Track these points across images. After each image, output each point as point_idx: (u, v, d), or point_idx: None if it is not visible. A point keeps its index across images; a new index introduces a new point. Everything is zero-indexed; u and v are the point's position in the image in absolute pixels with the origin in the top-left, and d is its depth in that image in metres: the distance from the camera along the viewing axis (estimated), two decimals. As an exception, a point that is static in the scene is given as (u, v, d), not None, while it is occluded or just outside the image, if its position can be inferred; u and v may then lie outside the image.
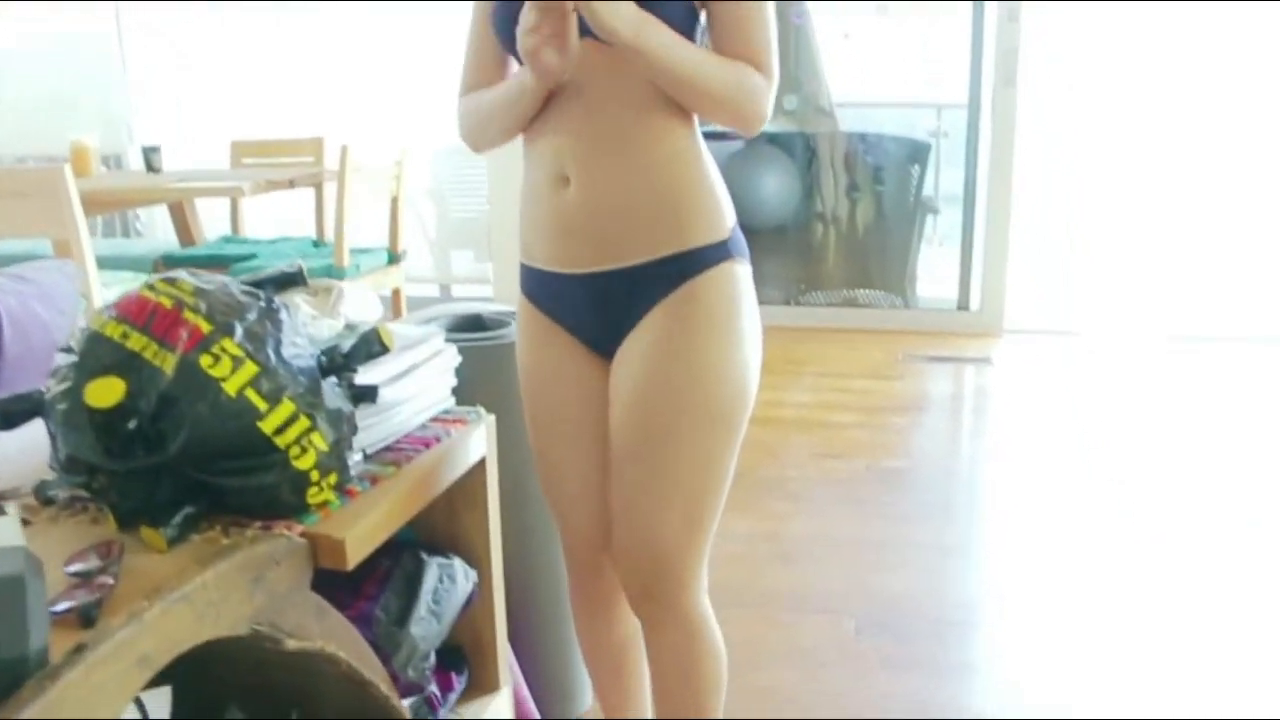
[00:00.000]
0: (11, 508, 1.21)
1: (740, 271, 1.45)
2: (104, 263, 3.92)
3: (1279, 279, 5.64)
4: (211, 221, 4.95)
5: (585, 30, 1.29)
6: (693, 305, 1.41)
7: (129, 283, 3.52)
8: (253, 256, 4.21)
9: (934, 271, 5.59)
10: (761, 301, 1.50)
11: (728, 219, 1.46)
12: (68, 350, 1.21)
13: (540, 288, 1.52)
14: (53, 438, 1.19)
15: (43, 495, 1.27)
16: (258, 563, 1.10)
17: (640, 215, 1.40)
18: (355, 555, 1.21)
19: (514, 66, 1.57)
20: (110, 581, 1.01)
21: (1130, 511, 3.06)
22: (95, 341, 1.18)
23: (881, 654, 2.30)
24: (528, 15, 1.29)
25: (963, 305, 5.29)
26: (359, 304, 1.66)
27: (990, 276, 5.12)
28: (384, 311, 2.20)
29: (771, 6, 1.42)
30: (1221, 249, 6.16)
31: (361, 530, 1.22)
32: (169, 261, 4.32)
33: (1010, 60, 4.87)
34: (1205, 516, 3.02)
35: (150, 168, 4.26)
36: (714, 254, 1.43)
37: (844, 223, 5.62)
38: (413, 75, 5.37)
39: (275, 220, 5.16)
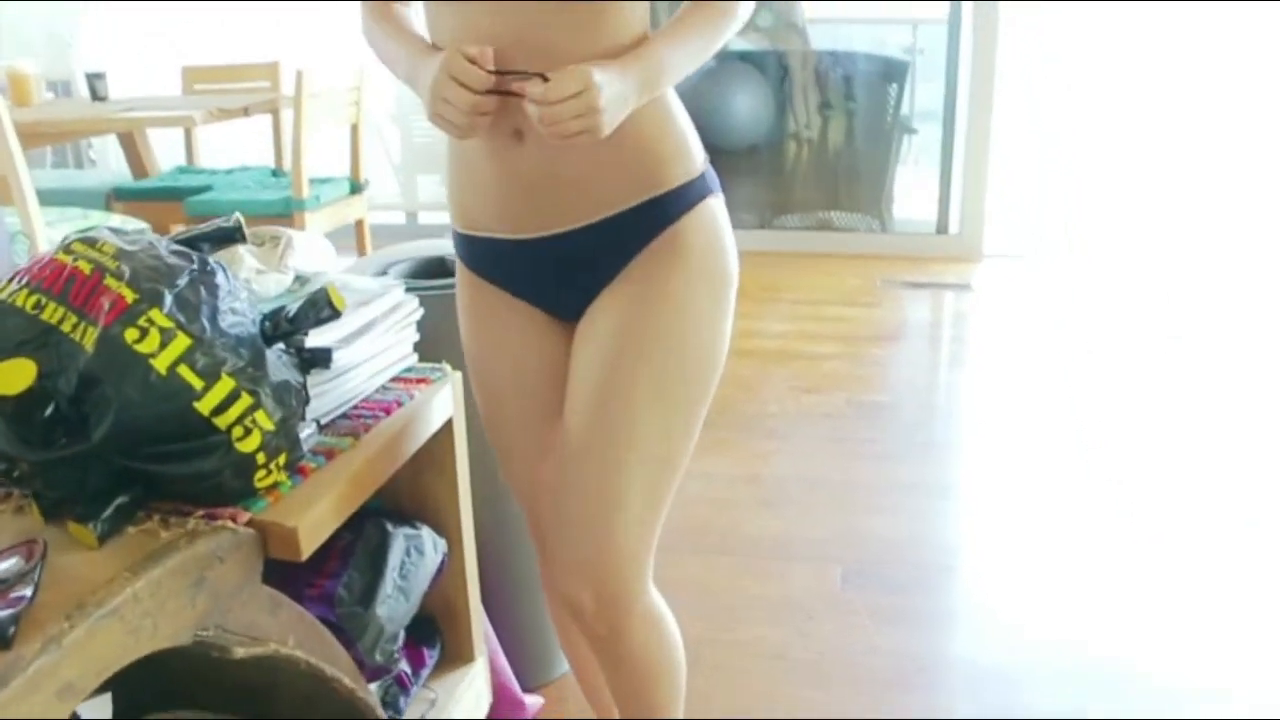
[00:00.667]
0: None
1: (718, 206, 1.34)
2: (51, 197, 3.73)
3: (1264, 210, 5.55)
4: (165, 151, 4.74)
5: None
6: (676, 250, 1.28)
7: (78, 220, 3.34)
8: (208, 189, 4.04)
9: (911, 192, 5.46)
10: (734, 226, 1.38)
11: (698, 153, 1.34)
12: (-24, 323, 1.08)
13: (488, 257, 1.36)
14: (-36, 422, 1.07)
15: (-39, 480, 1.15)
16: (199, 562, 0.98)
17: (609, 163, 1.25)
18: (310, 543, 1.10)
19: None
20: (27, 594, 0.89)
21: (1116, 446, 2.99)
22: (5, 314, 1.05)
23: (869, 604, 2.22)
24: (453, 89, 1.13)
25: (941, 229, 5.17)
26: (310, 252, 1.53)
27: (970, 200, 4.99)
28: (337, 254, 2.07)
29: None
30: (1207, 176, 6.06)
31: (316, 515, 1.11)
32: (120, 195, 4.14)
33: (992, -27, 4.69)
34: (1189, 447, 2.96)
35: (95, 96, 4.05)
36: (693, 192, 1.31)
37: (818, 143, 5.46)
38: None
39: (232, 149, 4.95)
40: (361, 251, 4.12)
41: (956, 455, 3.04)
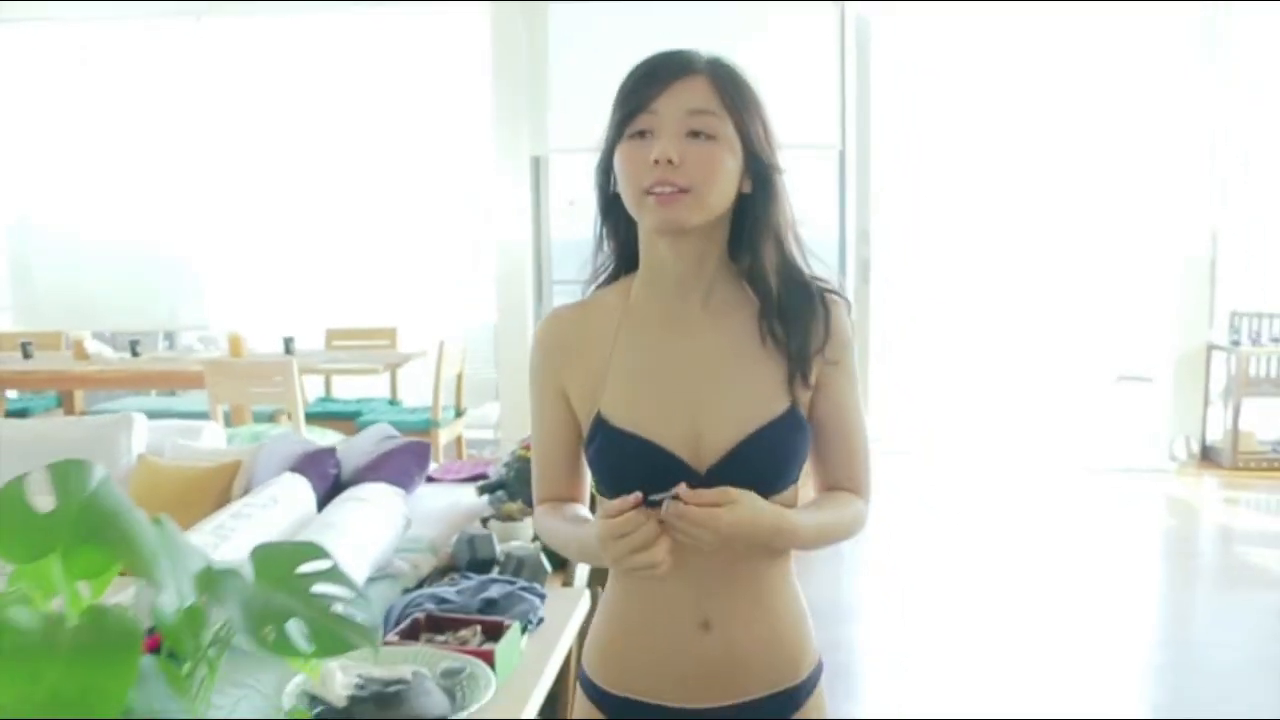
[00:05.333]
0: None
1: (824, 694, 1.53)
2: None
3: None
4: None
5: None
6: None
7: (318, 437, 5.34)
8: (359, 413, 6.07)
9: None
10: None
11: (815, 642, 1.52)
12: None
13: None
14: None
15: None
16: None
17: (770, 652, 1.45)
18: None
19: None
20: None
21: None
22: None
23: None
24: (617, 524, 1.26)
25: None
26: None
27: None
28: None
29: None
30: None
31: None
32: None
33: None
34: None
35: (288, 350, 6.11)
36: (813, 681, 1.51)
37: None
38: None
39: (343, 383, 6.89)
40: (459, 456, 6.16)
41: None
